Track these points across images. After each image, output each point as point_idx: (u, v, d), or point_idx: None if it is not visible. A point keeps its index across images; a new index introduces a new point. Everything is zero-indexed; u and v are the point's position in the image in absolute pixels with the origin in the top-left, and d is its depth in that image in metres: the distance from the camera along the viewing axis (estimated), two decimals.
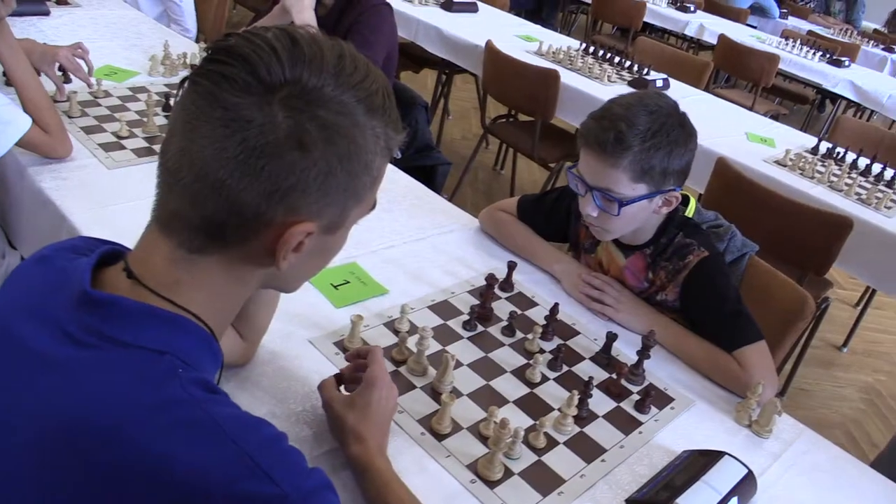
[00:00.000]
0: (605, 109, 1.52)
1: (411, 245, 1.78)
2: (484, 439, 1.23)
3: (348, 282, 1.57)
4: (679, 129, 1.50)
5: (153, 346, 0.76)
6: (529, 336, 1.50)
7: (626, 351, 1.55)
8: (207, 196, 0.75)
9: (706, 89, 4.39)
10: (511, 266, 1.66)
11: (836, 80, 5.29)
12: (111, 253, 0.85)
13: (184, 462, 0.69)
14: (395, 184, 2.10)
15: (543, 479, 1.19)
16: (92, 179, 1.76)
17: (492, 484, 1.16)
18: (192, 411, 0.72)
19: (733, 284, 1.61)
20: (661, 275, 1.65)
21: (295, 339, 1.37)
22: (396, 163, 2.28)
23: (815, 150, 3.20)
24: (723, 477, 1.19)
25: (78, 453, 0.69)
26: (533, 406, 1.34)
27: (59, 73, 2.13)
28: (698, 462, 1.24)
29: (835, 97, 5.57)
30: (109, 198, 1.69)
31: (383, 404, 1.14)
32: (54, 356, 0.74)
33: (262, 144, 0.73)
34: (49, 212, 1.65)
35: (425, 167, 2.77)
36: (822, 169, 3.00)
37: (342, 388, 1.20)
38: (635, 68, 3.96)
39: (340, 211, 0.82)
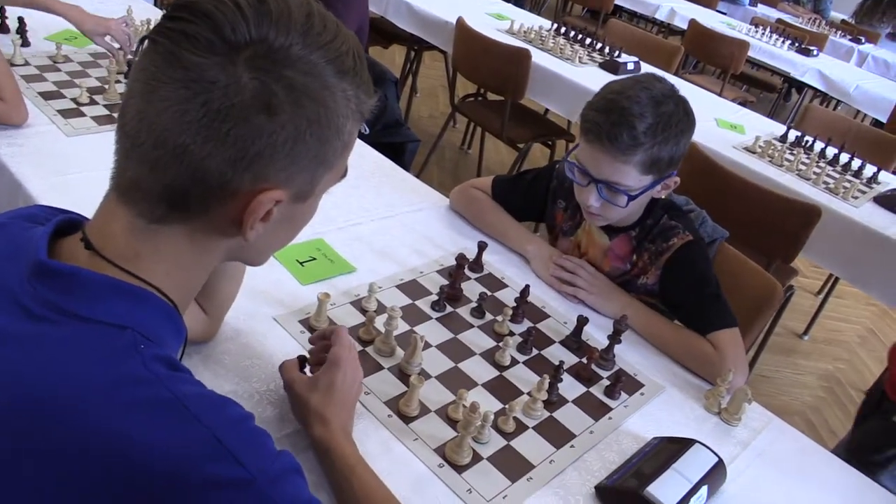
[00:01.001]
0: (610, 101, 1.48)
1: (379, 222, 1.76)
2: (453, 423, 1.21)
3: (314, 258, 1.54)
4: (684, 117, 1.49)
5: (113, 320, 0.72)
6: (499, 318, 1.48)
7: (596, 335, 1.55)
8: (168, 163, 0.71)
9: (675, 74, 4.39)
10: (481, 246, 1.64)
11: (805, 68, 5.34)
12: (69, 222, 0.80)
13: (145, 442, 0.65)
14: (364, 159, 2.06)
15: (512, 465, 1.18)
16: (50, 147, 1.70)
17: (460, 469, 1.14)
18: (154, 389, 0.69)
19: (713, 271, 1.60)
20: (644, 256, 1.64)
21: (259, 317, 1.34)
22: (364, 138, 2.24)
23: (783, 138, 3.22)
24: (693, 465, 1.19)
25: (34, 432, 0.66)
26: (502, 390, 1.33)
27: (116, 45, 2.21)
28: (668, 449, 1.23)
29: (801, 86, 5.62)
30: (68, 166, 1.63)
31: (348, 385, 1.11)
32: (8, 331, 0.70)
33: (226, 107, 0.70)
34: (4, 179, 1.59)
35: (394, 144, 2.73)
36: (791, 157, 3.02)
37: (307, 370, 1.17)
38: (606, 50, 3.94)
39: (310, 178, 0.79)
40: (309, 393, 1.09)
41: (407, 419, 1.20)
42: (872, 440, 2.20)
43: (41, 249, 0.74)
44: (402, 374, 1.29)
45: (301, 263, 1.52)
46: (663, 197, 1.60)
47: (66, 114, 1.85)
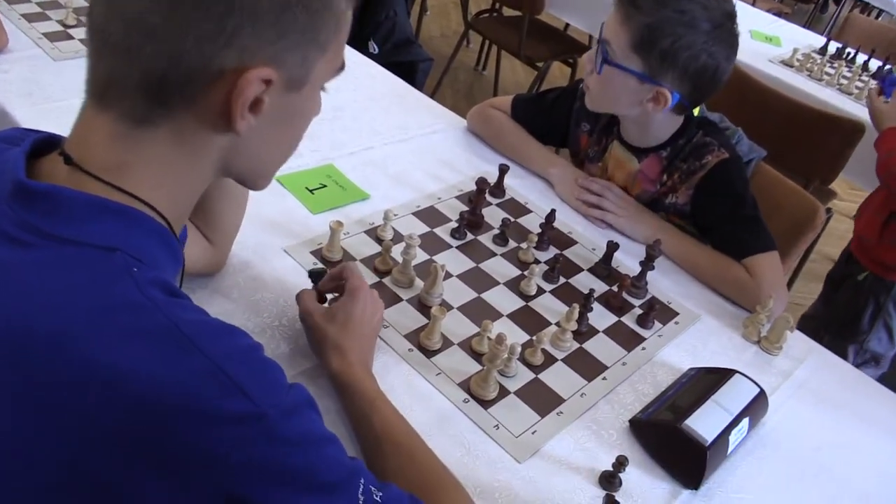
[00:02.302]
0: None
1: (393, 146, 1.72)
2: (477, 356, 1.20)
3: (325, 185, 1.51)
4: (708, 25, 1.40)
5: (101, 242, 0.68)
6: (523, 245, 1.46)
7: (627, 262, 1.52)
8: (142, 44, 0.68)
9: None
10: (503, 169, 1.61)
11: None
12: (47, 141, 0.76)
13: (141, 374, 0.62)
14: (374, 79, 2.01)
15: (541, 399, 1.16)
16: (36, 72, 1.65)
17: (486, 403, 1.13)
18: (150, 316, 0.65)
19: (750, 190, 1.56)
20: (675, 176, 1.60)
21: (268, 248, 1.32)
22: (373, 58, 2.20)
23: (823, 51, 3.13)
24: (733, 396, 1.17)
25: (20, 365, 0.63)
26: (529, 320, 1.31)
27: None
28: (706, 380, 1.21)
29: None
30: (56, 92, 1.59)
31: (367, 317, 1.10)
32: None
33: None
34: None
35: (404, 63, 2.68)
36: (831, 71, 2.94)
37: (327, 300, 1.15)
38: None
39: (302, 59, 0.74)
40: (326, 324, 1.07)
41: (429, 353, 1.19)
42: (849, 309, 2.26)
43: (19, 170, 0.70)
44: (421, 306, 1.27)
45: (311, 191, 1.49)
46: (650, 110, 1.50)
47: (52, 37, 1.80)
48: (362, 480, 0.75)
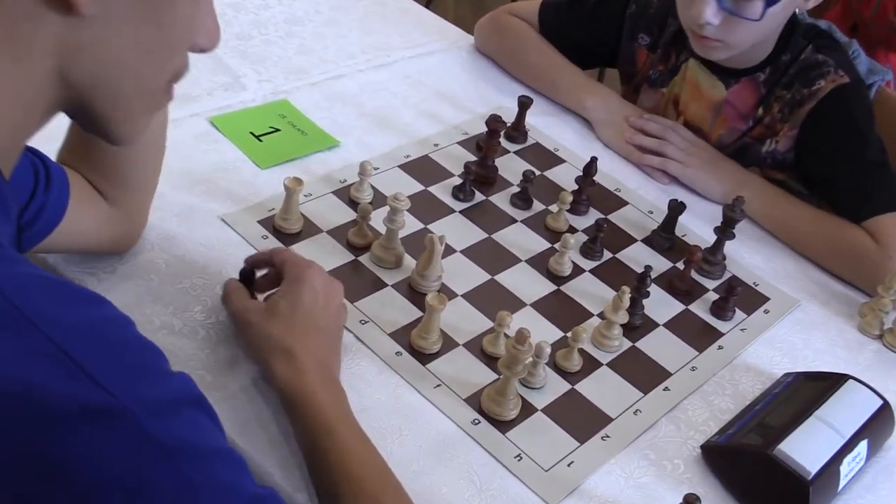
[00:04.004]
0: None
1: (371, 74, 1.72)
2: (491, 360, 1.21)
3: (278, 129, 1.52)
4: None
5: None
6: (553, 208, 1.47)
7: (697, 229, 1.53)
8: None
9: None
10: (525, 103, 1.61)
11: None
12: None
13: None
14: None
15: (580, 418, 1.17)
16: None
17: (504, 426, 1.14)
18: None
19: (875, 129, 1.57)
20: (773, 109, 1.61)
21: (200, 216, 1.33)
22: None
23: None
24: (846, 411, 1.18)
25: None
26: (561, 311, 1.32)
27: None
28: (808, 389, 1.22)
29: None
30: None
31: (321, 304, 1.11)
32: None
33: None
34: None
35: None
36: None
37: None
38: None
39: None
40: (266, 321, 1.08)
41: (424, 357, 1.20)
42: None
43: None
44: (413, 294, 1.28)
45: (258, 137, 1.49)
46: (807, 8, 1.54)
47: None
48: None
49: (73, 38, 0.74)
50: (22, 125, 0.78)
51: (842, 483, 1.13)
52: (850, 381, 1.22)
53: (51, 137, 1.01)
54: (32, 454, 0.63)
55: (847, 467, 1.13)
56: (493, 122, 1.50)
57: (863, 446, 1.16)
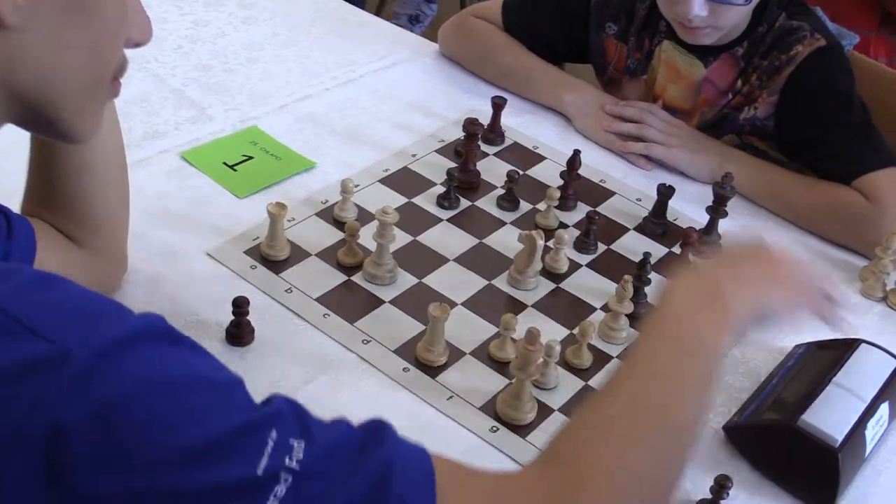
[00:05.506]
0: None
1: (338, 91, 1.73)
2: (500, 365, 1.21)
3: (251, 157, 1.52)
4: None
5: None
6: (541, 206, 1.47)
7: (688, 211, 1.54)
8: None
9: None
10: (498, 104, 1.62)
11: None
12: None
13: None
14: (295, 2, 2.01)
15: None
16: None
17: (523, 430, 1.14)
18: None
19: (856, 88, 1.59)
20: (751, 79, 1.62)
21: (184, 254, 1.33)
22: None
23: None
24: (863, 375, 1.18)
25: None
26: (564, 308, 1.33)
27: None
28: (821, 358, 1.23)
29: None
30: None
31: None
32: None
33: None
34: None
35: None
36: None
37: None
38: None
39: None
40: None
41: (432, 370, 1.20)
42: None
43: None
44: (412, 307, 1.29)
45: (232, 167, 1.49)
46: None
47: None
48: (273, 434, 0.69)
49: (5, 51, 0.75)
50: None
51: (868, 447, 1.14)
52: (863, 344, 1.23)
53: (11, 195, 1.02)
54: None
55: (872, 431, 1.14)
56: (471, 125, 1.51)
57: (884, 409, 1.16)
